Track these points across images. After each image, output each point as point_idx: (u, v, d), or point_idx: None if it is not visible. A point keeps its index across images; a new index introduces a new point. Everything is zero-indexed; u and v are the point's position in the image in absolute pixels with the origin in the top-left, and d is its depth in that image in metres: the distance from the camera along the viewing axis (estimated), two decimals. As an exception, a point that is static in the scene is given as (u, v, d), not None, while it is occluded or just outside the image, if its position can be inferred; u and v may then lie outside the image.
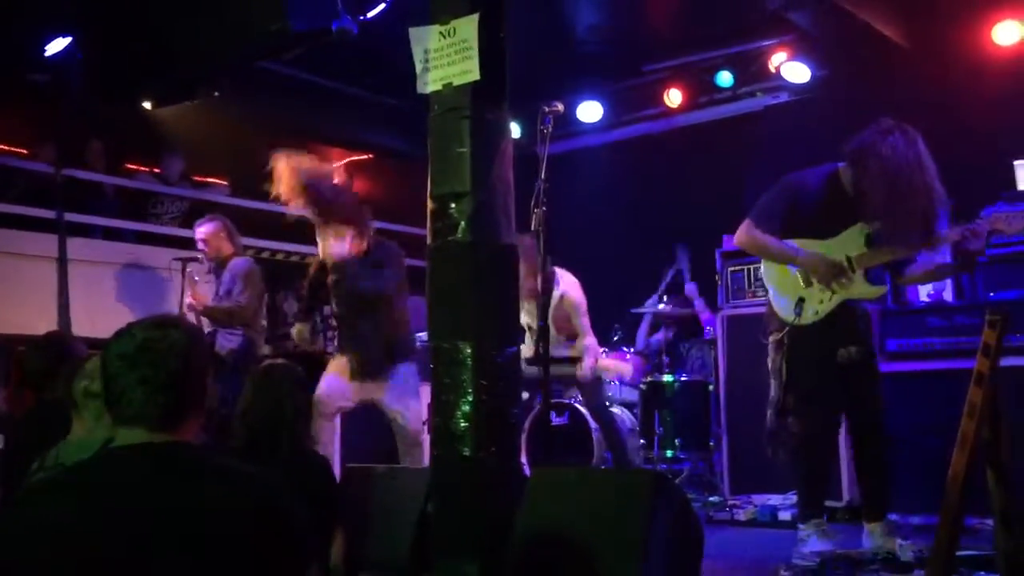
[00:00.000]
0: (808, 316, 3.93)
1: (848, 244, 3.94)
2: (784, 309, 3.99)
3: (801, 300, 3.94)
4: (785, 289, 4.02)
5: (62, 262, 6.14)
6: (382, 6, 4.75)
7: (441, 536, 3.47)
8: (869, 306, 4.11)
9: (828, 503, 4.19)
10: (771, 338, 4.06)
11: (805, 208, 3.97)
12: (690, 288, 7.12)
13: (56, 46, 5.96)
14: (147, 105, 6.61)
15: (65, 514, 1.61)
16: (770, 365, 4.05)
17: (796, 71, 7.14)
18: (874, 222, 3.86)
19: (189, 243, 7.20)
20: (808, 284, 3.96)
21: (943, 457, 2.94)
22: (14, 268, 5.93)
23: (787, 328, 3.95)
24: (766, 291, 4.16)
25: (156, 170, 8.13)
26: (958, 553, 2.84)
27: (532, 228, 4.11)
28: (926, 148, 3.80)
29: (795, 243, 3.97)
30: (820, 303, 3.93)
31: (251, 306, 5.62)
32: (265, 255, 8.03)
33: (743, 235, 4.06)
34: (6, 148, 7.43)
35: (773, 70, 7.29)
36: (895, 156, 3.73)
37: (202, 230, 5.79)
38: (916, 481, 4.38)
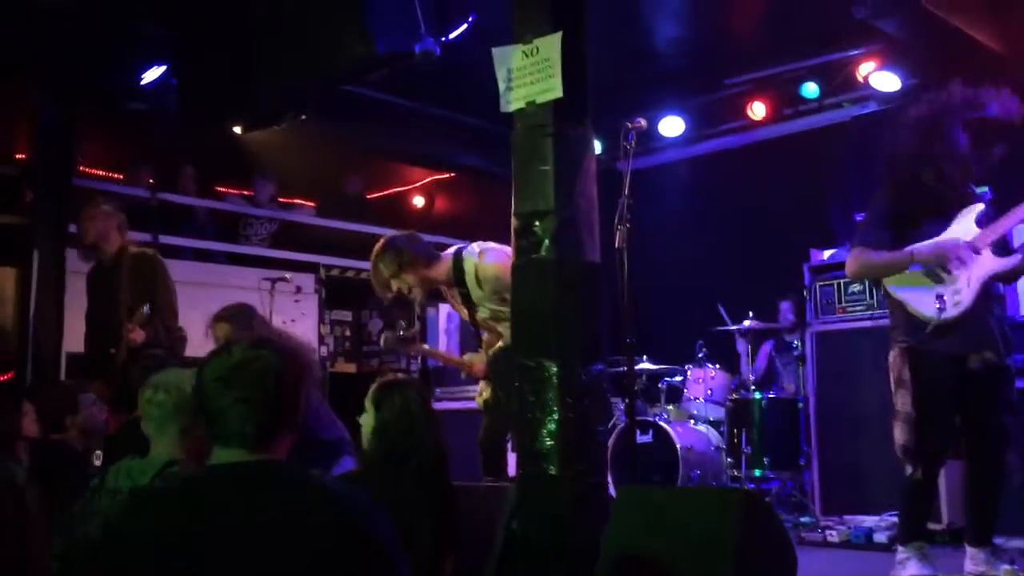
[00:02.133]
0: (952, 309, 3.69)
1: (960, 232, 3.77)
2: (926, 310, 3.73)
3: (939, 296, 3.71)
4: (918, 291, 3.77)
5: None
6: (464, 27, 4.82)
7: (527, 555, 3.46)
8: None
9: (928, 525, 4.03)
10: (898, 347, 3.82)
11: (904, 211, 3.84)
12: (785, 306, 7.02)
13: (151, 75, 6.18)
14: (237, 130, 6.84)
15: (166, 528, 1.65)
16: (895, 378, 3.81)
17: (885, 80, 6.98)
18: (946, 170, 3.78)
19: (277, 263, 7.39)
20: (937, 280, 3.75)
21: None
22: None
23: (929, 328, 3.70)
24: (896, 303, 3.86)
25: (246, 192, 8.36)
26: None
27: (616, 245, 4.08)
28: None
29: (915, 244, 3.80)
30: (957, 293, 3.70)
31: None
32: (350, 274, 8.17)
33: (853, 262, 3.89)
34: (104, 173, 7.73)
35: (861, 80, 7.14)
36: (940, 102, 3.79)
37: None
38: (1019, 503, 4.20)
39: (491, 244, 4.33)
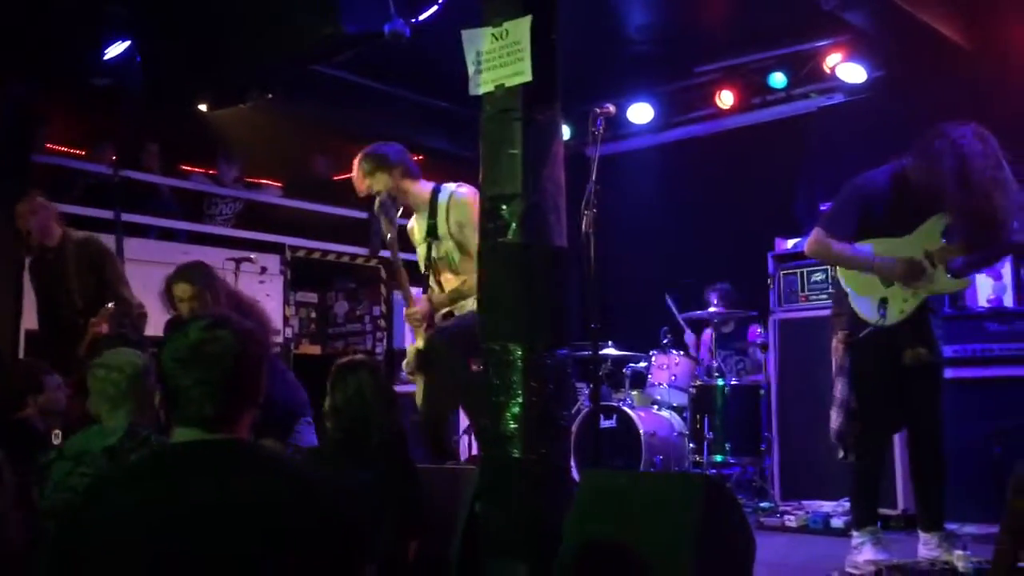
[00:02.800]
0: (893, 316, 3.84)
1: (926, 239, 3.87)
2: (867, 311, 3.89)
3: (884, 300, 3.85)
4: (866, 291, 3.92)
5: (120, 261, 6.24)
6: (434, 8, 4.78)
7: (490, 537, 3.47)
8: None
9: (882, 511, 4.12)
10: (840, 338, 3.96)
11: (877, 209, 3.91)
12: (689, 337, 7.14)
13: (115, 50, 6.07)
14: (202, 108, 6.75)
15: (128, 508, 1.65)
16: (836, 365, 3.96)
17: (851, 72, 7.04)
18: (954, 218, 3.80)
19: (242, 244, 7.31)
20: (888, 284, 3.88)
21: (1003, 465, 2.88)
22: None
23: (868, 329, 3.85)
24: (843, 293, 4.00)
25: (211, 171, 8.27)
26: (1019, 564, 2.77)
27: (583, 230, 4.09)
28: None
29: (870, 246, 3.91)
30: (904, 301, 3.85)
31: None
32: (316, 255, 8.12)
33: (815, 244, 4.00)
34: (66, 150, 7.60)
35: (828, 71, 7.19)
36: (975, 154, 3.68)
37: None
38: (975, 490, 4.29)
39: (462, 184, 4.46)
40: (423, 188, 4.51)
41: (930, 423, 3.90)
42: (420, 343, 4.44)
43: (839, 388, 3.92)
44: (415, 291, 4.61)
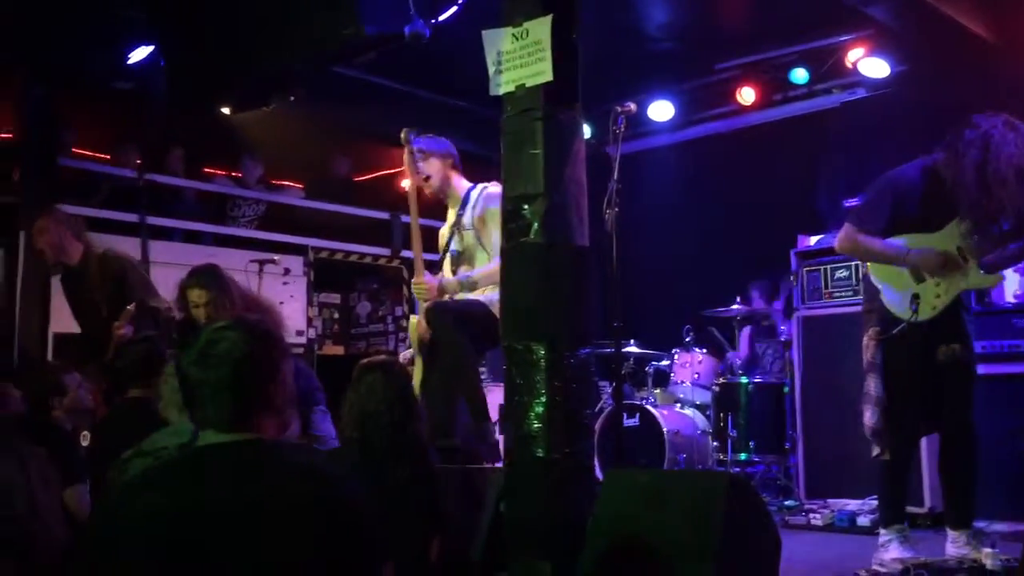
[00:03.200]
0: (925, 312, 3.81)
1: (958, 234, 3.84)
2: (899, 306, 3.85)
3: (916, 296, 3.81)
4: (898, 286, 3.88)
5: (144, 264, 6.31)
6: (454, 9, 4.79)
7: (514, 536, 3.48)
8: None
9: (910, 509, 4.09)
10: (872, 334, 3.92)
11: (910, 204, 3.87)
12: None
13: (139, 55, 6.13)
14: (225, 111, 6.79)
15: (153, 508, 1.67)
16: (867, 361, 3.92)
17: (874, 66, 6.99)
18: (965, 213, 3.77)
19: (265, 245, 7.36)
20: (920, 279, 3.84)
21: (1032, 463, 2.85)
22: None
23: (901, 325, 3.81)
24: (874, 289, 3.96)
25: (234, 174, 8.33)
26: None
27: (605, 229, 4.09)
28: None
29: (902, 241, 3.87)
30: (936, 297, 3.82)
31: None
32: (339, 256, 8.15)
33: (846, 240, 3.96)
34: (91, 154, 7.68)
35: (850, 66, 7.14)
36: (1003, 142, 3.65)
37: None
38: (1003, 487, 4.25)
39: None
40: (463, 183, 4.65)
41: (963, 420, 3.86)
42: (422, 329, 4.46)
43: (872, 385, 3.88)
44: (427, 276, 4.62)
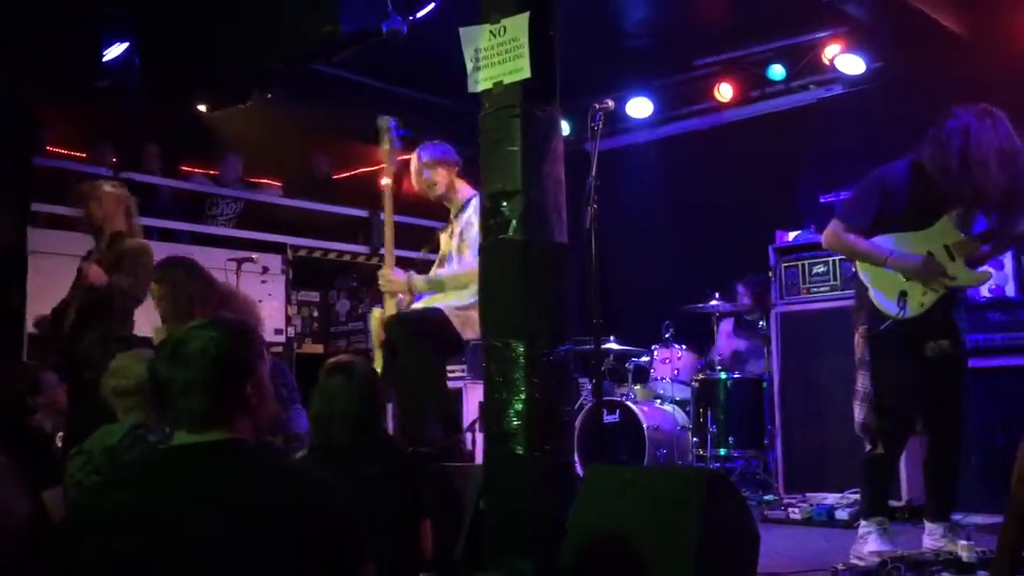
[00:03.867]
0: (913, 308, 3.81)
1: (945, 232, 3.85)
2: (887, 304, 3.85)
3: (903, 293, 3.81)
4: (885, 283, 3.88)
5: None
6: (432, 6, 4.78)
7: (495, 534, 3.48)
8: None
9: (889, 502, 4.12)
10: (862, 331, 3.93)
11: (897, 201, 3.88)
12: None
13: (114, 52, 6.08)
14: (201, 108, 6.75)
15: (122, 509, 1.66)
16: (858, 358, 3.94)
17: (850, 63, 7.04)
18: (972, 206, 3.80)
19: (244, 244, 7.32)
20: (907, 276, 3.85)
21: (1007, 455, 2.88)
22: (73, 269, 6.07)
23: (887, 322, 3.81)
24: (863, 287, 3.96)
25: (211, 172, 8.27)
26: None
27: (584, 226, 4.09)
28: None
29: (890, 240, 3.88)
30: (923, 294, 3.82)
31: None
32: (317, 254, 8.12)
33: (832, 237, 3.99)
34: (65, 152, 7.60)
35: (827, 62, 7.19)
36: (982, 128, 3.68)
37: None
38: (979, 479, 4.29)
39: None
40: (466, 190, 4.62)
41: (952, 415, 3.88)
42: (389, 310, 4.45)
43: (861, 382, 3.90)
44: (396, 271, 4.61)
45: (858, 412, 3.90)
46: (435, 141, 4.71)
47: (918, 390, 3.86)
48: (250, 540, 1.62)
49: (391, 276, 4.45)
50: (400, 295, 4.50)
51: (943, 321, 3.84)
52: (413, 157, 4.67)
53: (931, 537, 3.84)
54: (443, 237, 4.77)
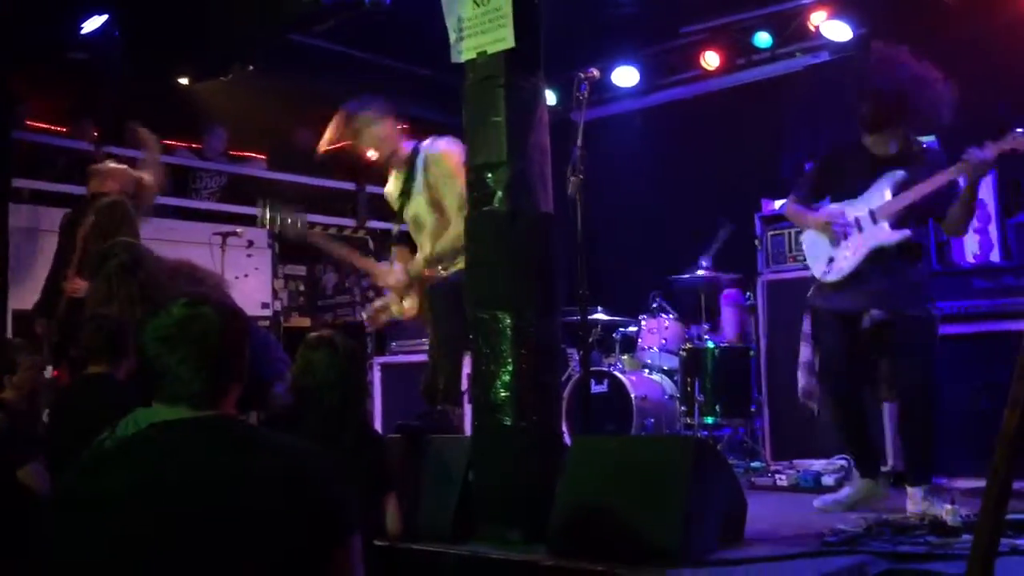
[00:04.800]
0: (834, 274, 4.04)
1: (873, 198, 4.02)
2: (815, 270, 4.16)
3: (831, 259, 4.07)
4: (817, 249, 4.17)
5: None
6: (414, -25, 4.73)
7: (484, 504, 3.50)
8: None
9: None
10: (808, 302, 4.21)
11: (835, 171, 4.18)
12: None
13: (93, 24, 6.00)
14: (183, 81, 6.69)
15: (117, 485, 1.65)
16: (802, 330, 4.21)
17: (836, 29, 7.01)
18: (893, 127, 4.01)
19: (228, 218, 7.28)
20: (834, 243, 4.07)
21: (991, 420, 2.90)
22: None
23: (815, 291, 4.10)
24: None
25: (194, 145, 8.20)
26: (1006, 516, 2.79)
27: (569, 196, 4.08)
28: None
29: (824, 208, 4.16)
30: (845, 258, 4.03)
31: None
32: (303, 228, 8.08)
33: (786, 208, 4.39)
34: (46, 127, 7.52)
35: (812, 29, 7.16)
36: (885, 57, 4.03)
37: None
38: (963, 444, 4.33)
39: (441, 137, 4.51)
40: (405, 147, 4.58)
41: (909, 377, 3.95)
42: (395, 308, 4.50)
43: (802, 351, 4.19)
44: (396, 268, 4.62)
45: (800, 379, 4.19)
46: (359, 99, 4.61)
47: (853, 357, 4.03)
48: (243, 517, 1.62)
49: (394, 279, 4.54)
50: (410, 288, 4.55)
51: (874, 291, 3.98)
52: (343, 115, 4.59)
53: (911, 501, 3.89)
54: (395, 195, 4.65)
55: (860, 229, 4.00)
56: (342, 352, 3.28)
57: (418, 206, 4.48)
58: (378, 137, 4.53)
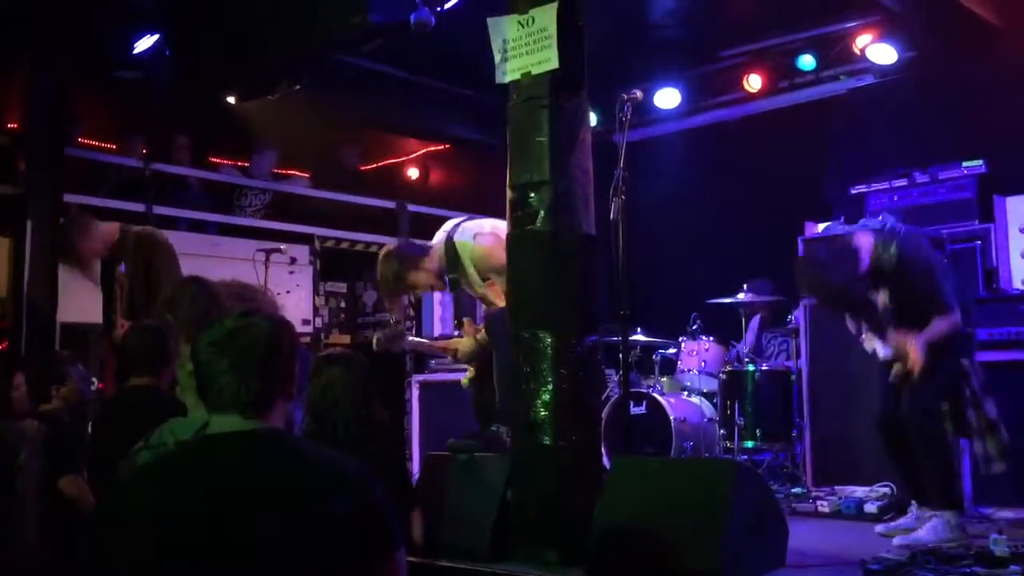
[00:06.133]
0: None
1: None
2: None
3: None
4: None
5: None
6: (460, -3, 4.78)
7: (521, 523, 3.49)
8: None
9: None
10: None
11: None
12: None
13: (144, 44, 6.13)
14: (231, 100, 6.80)
15: (168, 496, 1.67)
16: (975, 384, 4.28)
17: (882, 53, 6.95)
18: None
19: (271, 235, 7.37)
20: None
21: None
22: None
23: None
24: None
25: (240, 163, 8.32)
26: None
27: (611, 217, 4.08)
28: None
29: None
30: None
31: None
32: (345, 246, 8.16)
33: None
34: (97, 144, 7.68)
35: (857, 52, 7.11)
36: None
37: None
38: (1012, 474, 4.25)
39: (483, 225, 4.41)
40: (436, 252, 4.48)
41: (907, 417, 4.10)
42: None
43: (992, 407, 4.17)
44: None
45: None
46: (386, 252, 4.59)
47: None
48: (292, 528, 1.64)
49: (461, 353, 4.71)
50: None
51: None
52: (381, 284, 4.62)
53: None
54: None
55: None
56: (356, 368, 3.33)
57: (471, 288, 4.49)
58: (427, 277, 4.52)
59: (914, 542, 3.78)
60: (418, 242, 4.64)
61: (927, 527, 3.90)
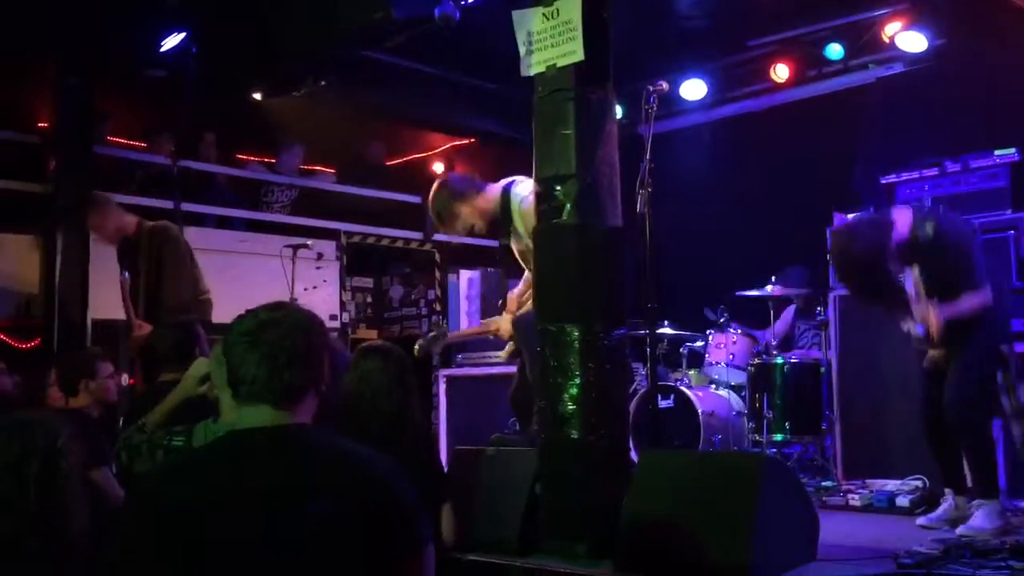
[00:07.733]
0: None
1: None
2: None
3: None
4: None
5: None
6: (484, -10, 4.77)
7: (550, 517, 3.49)
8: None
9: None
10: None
11: None
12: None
13: (171, 42, 6.17)
14: (257, 96, 6.84)
15: (197, 491, 1.67)
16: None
17: (912, 41, 6.85)
18: None
19: (297, 230, 7.40)
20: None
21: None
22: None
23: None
24: None
25: (267, 159, 8.37)
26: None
27: (638, 209, 4.05)
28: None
29: None
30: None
31: None
32: (371, 240, 8.19)
33: None
34: (125, 142, 7.75)
35: (886, 40, 7.01)
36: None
37: None
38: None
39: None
40: (493, 196, 4.46)
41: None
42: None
43: None
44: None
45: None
46: (440, 182, 4.59)
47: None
48: (322, 523, 1.64)
49: (503, 331, 4.67)
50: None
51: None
52: (433, 215, 4.58)
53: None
54: (513, 247, 4.64)
55: None
56: (394, 359, 3.32)
57: (518, 241, 4.44)
58: (471, 214, 4.46)
59: (974, 531, 3.79)
60: (476, 180, 4.61)
61: (979, 515, 3.89)
